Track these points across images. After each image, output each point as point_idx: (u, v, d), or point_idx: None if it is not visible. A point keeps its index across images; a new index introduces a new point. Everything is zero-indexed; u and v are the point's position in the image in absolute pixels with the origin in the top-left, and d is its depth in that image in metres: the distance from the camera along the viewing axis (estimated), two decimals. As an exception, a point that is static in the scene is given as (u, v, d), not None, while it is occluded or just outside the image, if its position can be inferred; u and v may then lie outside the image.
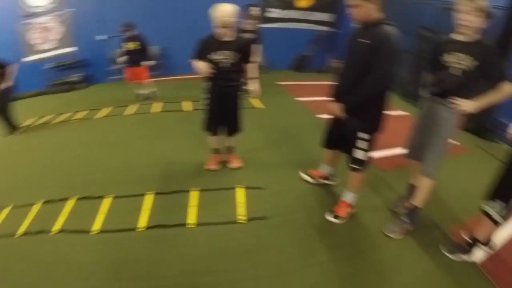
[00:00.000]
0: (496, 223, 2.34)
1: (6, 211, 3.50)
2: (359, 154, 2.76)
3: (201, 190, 3.50)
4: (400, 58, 2.55)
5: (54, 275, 2.61)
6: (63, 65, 9.37)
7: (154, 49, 8.60)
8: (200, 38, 3.29)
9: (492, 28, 2.50)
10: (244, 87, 3.59)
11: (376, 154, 3.82)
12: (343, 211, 3.03)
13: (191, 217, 3.12)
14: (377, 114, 2.64)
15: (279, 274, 2.57)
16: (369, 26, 2.37)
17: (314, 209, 3.25)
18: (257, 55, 5.68)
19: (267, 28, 8.37)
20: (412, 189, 2.96)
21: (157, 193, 3.51)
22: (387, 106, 2.65)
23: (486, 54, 2.30)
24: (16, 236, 3.12)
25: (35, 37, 9.81)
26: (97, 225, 3.12)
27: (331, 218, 3.05)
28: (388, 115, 2.75)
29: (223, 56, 3.20)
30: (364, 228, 3.03)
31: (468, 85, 2.44)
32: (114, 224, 3.09)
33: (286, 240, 2.89)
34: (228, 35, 3.15)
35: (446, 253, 2.63)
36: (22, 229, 3.19)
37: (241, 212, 3.14)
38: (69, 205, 3.46)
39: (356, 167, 2.83)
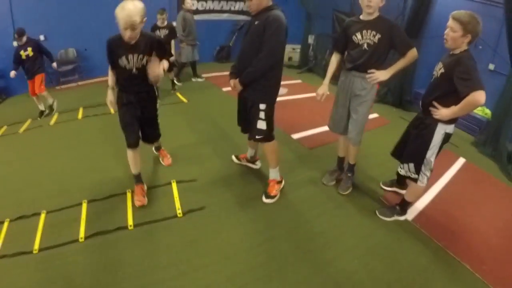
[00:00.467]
0: (415, 180, 2.80)
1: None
2: (260, 124, 3.10)
3: (132, 192, 3.54)
4: (285, 36, 2.91)
5: None
6: None
7: (70, 51, 8.28)
8: (108, 39, 2.94)
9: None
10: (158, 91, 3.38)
11: (302, 134, 4.19)
12: (273, 189, 3.39)
13: (130, 219, 3.18)
14: (272, 86, 3.08)
15: (224, 259, 2.77)
16: (261, 12, 2.81)
17: (248, 193, 3.47)
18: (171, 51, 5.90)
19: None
20: (340, 161, 3.53)
21: (90, 201, 3.48)
22: (279, 79, 3.12)
23: (386, 27, 2.74)
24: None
25: None
26: (37, 244, 3.05)
27: (266, 200, 3.39)
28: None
29: (131, 61, 2.91)
30: (300, 203, 3.31)
31: (378, 57, 2.86)
32: (54, 240, 3.03)
33: (225, 226, 3.07)
34: (134, 38, 2.80)
35: (381, 217, 3.08)
36: None
37: (179, 206, 3.26)
38: (4, 228, 3.31)
39: (260, 137, 3.16)
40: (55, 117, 6.08)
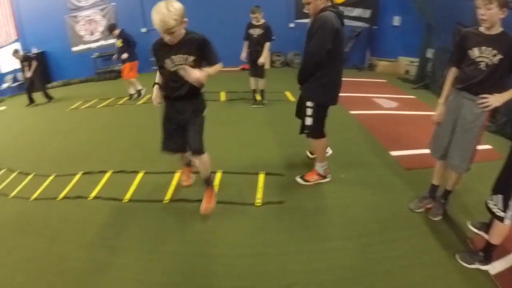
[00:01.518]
0: (500, 219, 2.19)
1: (50, 178, 4.17)
2: (307, 121, 3.20)
3: (224, 172, 3.76)
4: (332, 35, 2.83)
5: (86, 233, 3.04)
6: (107, 55, 10.20)
7: None
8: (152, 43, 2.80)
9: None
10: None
11: (401, 152, 3.94)
12: (310, 176, 3.49)
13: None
14: (322, 86, 3.06)
15: (283, 254, 2.64)
16: (317, 15, 2.89)
17: (331, 200, 3.32)
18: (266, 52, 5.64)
19: (303, 23, 8.65)
20: (434, 189, 3.06)
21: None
22: (333, 81, 3.10)
23: (509, 46, 2.28)
24: (58, 199, 3.69)
25: (82, 29, 10.64)
26: (128, 195, 3.54)
27: (299, 179, 3.53)
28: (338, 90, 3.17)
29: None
30: (379, 223, 3.03)
31: (495, 80, 2.40)
32: (143, 196, 3.52)
33: (297, 224, 2.99)
34: (175, 40, 2.58)
35: (461, 262, 2.50)
36: (63, 193, 3.75)
37: (260, 196, 3.34)
38: (106, 177, 3.98)
39: (307, 132, 3.27)
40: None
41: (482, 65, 2.38)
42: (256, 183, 3.52)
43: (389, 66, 8.70)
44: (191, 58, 2.63)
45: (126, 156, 4.51)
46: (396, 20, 8.73)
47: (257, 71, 5.81)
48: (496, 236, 2.30)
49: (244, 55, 5.82)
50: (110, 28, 7.29)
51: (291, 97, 6.47)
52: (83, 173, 4.13)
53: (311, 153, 3.93)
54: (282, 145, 4.43)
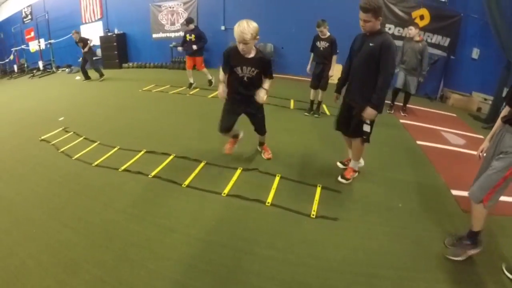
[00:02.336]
0: None
1: (114, 150, 4.30)
2: (365, 128, 3.33)
3: (282, 177, 3.66)
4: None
5: (140, 207, 3.11)
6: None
7: (268, 46, 9.23)
8: (226, 49, 3.41)
9: None
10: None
11: (463, 193, 3.57)
12: (349, 174, 3.67)
13: (270, 197, 3.29)
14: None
15: (328, 269, 2.47)
16: (375, 34, 3.05)
17: (383, 226, 3.08)
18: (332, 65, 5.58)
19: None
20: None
21: (245, 169, 3.79)
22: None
23: None
24: (119, 169, 3.78)
25: (164, 18, 11.10)
26: (187, 181, 3.50)
27: (341, 179, 3.64)
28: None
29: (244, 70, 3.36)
30: (404, 257, 2.71)
31: None
32: (203, 185, 3.46)
33: (347, 243, 2.79)
34: (247, 52, 3.22)
35: (505, 272, 2.44)
36: (124, 166, 3.84)
37: (315, 208, 3.15)
38: (168, 159, 4.00)
39: (365, 137, 3.39)
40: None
41: None
42: (313, 195, 3.39)
43: (461, 100, 8.03)
44: (256, 71, 3.34)
45: (190, 144, 4.49)
46: (475, 53, 8.05)
47: (320, 83, 5.74)
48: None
49: (309, 67, 5.92)
50: (188, 21, 7.64)
51: (327, 110, 6.25)
52: (146, 152, 4.19)
53: (344, 163, 3.98)
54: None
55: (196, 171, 3.72)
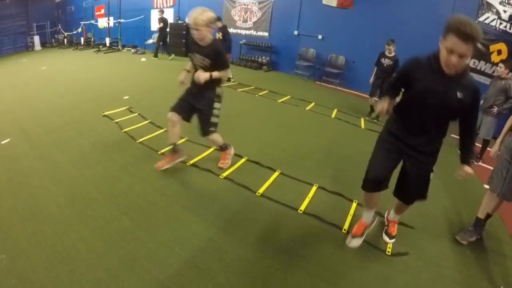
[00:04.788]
0: None
1: (181, 140, 3.98)
2: (425, 186, 2.49)
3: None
4: None
5: (210, 210, 2.82)
6: (253, 45, 10.64)
7: (340, 58, 8.94)
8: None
9: None
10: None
11: None
12: (395, 231, 2.87)
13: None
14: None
15: None
16: (463, 76, 2.10)
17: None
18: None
19: None
20: (478, 222, 3.02)
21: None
22: None
23: None
24: (187, 164, 3.52)
25: (237, 14, 10.98)
26: (261, 190, 3.17)
27: (387, 239, 2.82)
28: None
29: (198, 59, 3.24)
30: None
31: None
32: (276, 196, 3.14)
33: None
34: (199, 38, 3.14)
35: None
36: (192, 161, 3.59)
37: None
38: (240, 162, 3.69)
39: (423, 198, 2.53)
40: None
41: None
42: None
43: None
44: (209, 62, 3.16)
45: (263, 149, 4.15)
46: None
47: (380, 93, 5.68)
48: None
49: (372, 80, 6.33)
50: (217, 19, 7.59)
51: None
52: (215, 149, 3.83)
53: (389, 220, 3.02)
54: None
55: (271, 180, 3.38)
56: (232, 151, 3.67)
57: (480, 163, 4.99)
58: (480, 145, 5.09)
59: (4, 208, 2.62)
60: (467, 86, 2.09)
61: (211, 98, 3.32)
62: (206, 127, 3.34)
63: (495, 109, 5.04)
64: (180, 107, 3.36)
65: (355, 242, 2.56)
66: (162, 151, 3.71)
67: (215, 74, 3.17)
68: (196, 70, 3.24)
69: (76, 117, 4.62)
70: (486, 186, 3.93)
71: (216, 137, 3.43)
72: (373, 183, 2.35)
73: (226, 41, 7.80)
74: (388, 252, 2.66)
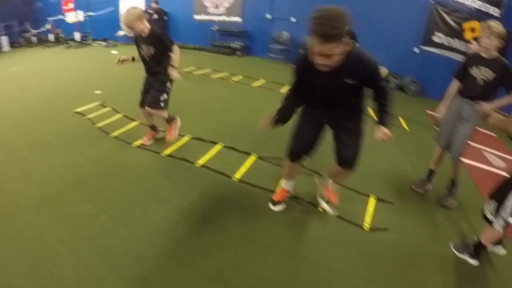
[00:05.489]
0: (490, 223, 2.44)
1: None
2: None
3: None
4: None
5: (190, 201, 2.81)
6: (226, 31, 10.53)
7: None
8: None
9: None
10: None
11: None
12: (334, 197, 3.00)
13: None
14: None
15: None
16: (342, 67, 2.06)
17: (435, 235, 2.87)
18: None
19: (428, 51, 8.04)
20: (432, 173, 3.55)
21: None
22: None
23: (502, 69, 2.97)
24: (162, 153, 3.57)
25: (207, 0, 10.81)
26: (238, 175, 3.21)
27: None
28: None
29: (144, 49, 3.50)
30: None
31: (488, 92, 3.08)
32: (253, 180, 3.19)
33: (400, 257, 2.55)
34: (134, 32, 3.40)
35: (453, 249, 2.69)
36: (168, 151, 3.63)
37: (368, 221, 2.86)
38: (216, 149, 3.73)
39: None
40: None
41: (480, 80, 3.12)
42: (365, 205, 3.10)
43: (502, 121, 7.48)
44: (154, 49, 3.44)
45: (238, 134, 4.18)
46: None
47: None
48: (486, 237, 2.55)
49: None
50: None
51: (404, 124, 5.71)
52: (192, 138, 3.92)
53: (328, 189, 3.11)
54: (404, 171, 3.89)
55: (247, 165, 3.42)
56: (178, 121, 3.85)
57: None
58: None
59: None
60: (355, 70, 2.08)
61: (163, 80, 3.57)
62: (155, 100, 3.55)
63: None
64: (142, 96, 3.65)
65: (278, 208, 2.84)
66: (136, 143, 3.70)
67: (174, 62, 3.53)
68: (145, 61, 3.55)
69: (48, 116, 4.53)
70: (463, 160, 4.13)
71: (162, 113, 3.63)
72: (296, 154, 2.59)
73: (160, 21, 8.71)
74: (367, 227, 2.75)
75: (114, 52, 10.20)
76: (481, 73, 3.10)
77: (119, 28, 12.09)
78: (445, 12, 7.68)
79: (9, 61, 9.84)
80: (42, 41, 13.53)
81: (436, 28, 7.81)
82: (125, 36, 12.27)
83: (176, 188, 2.99)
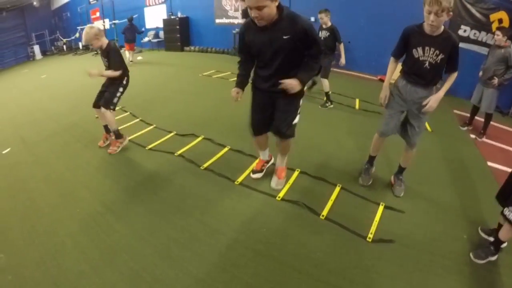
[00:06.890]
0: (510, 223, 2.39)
1: (169, 135, 4.27)
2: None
3: (343, 189, 3.20)
4: None
5: (188, 202, 2.96)
6: None
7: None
8: None
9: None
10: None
11: None
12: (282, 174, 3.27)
13: (326, 210, 2.86)
14: None
15: None
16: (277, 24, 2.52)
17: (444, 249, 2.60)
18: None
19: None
20: (372, 159, 3.43)
21: (302, 172, 3.45)
22: None
23: (450, 48, 2.65)
24: (175, 154, 3.74)
25: (228, 3, 11.05)
26: (240, 178, 3.29)
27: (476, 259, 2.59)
28: None
29: None
30: None
31: (435, 73, 2.79)
32: (256, 184, 3.25)
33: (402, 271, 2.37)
34: (95, 47, 3.86)
35: (475, 260, 2.55)
36: (179, 151, 3.79)
37: (372, 231, 2.65)
38: (223, 151, 3.84)
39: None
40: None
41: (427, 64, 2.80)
42: (373, 213, 2.90)
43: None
44: (105, 60, 3.94)
45: (245, 136, 4.20)
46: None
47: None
48: (506, 234, 2.49)
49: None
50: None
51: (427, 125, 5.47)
52: (204, 138, 4.11)
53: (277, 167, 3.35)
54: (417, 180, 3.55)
55: (250, 168, 3.47)
56: (125, 141, 4.05)
57: (484, 139, 4.78)
58: (483, 120, 4.94)
59: (4, 212, 2.89)
60: (291, 27, 2.46)
61: (117, 85, 3.99)
62: (107, 101, 3.92)
63: (496, 80, 4.72)
64: (97, 98, 4.01)
65: (256, 175, 3.31)
66: (149, 146, 3.91)
67: (105, 73, 3.92)
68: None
69: (72, 122, 4.90)
70: (490, 164, 3.92)
71: (110, 116, 3.92)
72: (256, 130, 3.04)
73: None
74: (369, 239, 2.60)
75: (139, 58, 10.59)
76: (428, 56, 2.81)
77: (144, 35, 12.52)
78: (470, 3, 7.36)
79: (40, 68, 10.41)
80: (72, 49, 14.18)
81: (461, 21, 7.31)
82: (150, 41, 12.72)
83: (175, 189, 3.12)
